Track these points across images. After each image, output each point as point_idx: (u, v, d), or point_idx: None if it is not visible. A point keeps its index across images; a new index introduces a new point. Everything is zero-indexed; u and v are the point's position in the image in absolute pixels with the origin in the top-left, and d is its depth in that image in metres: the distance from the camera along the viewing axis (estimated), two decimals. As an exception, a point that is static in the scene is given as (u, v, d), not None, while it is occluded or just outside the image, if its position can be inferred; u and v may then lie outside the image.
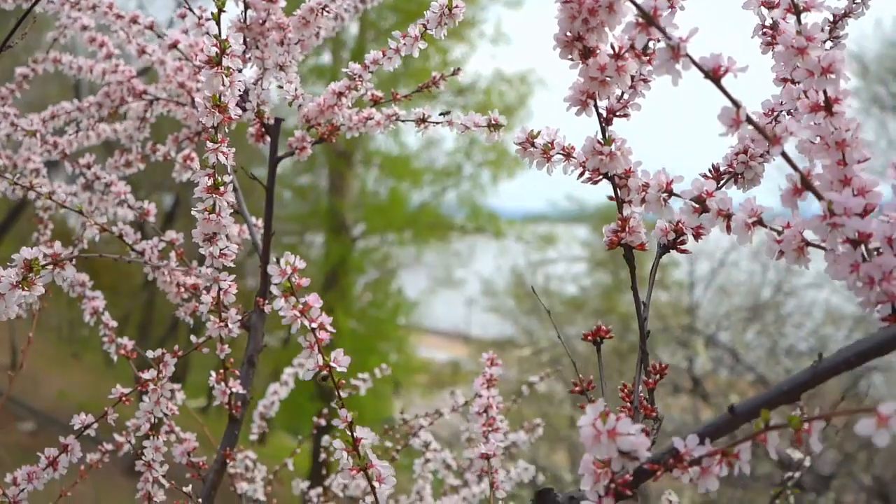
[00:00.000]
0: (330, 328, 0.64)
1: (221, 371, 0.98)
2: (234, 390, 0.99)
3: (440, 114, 0.75)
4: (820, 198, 0.52)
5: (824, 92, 0.54)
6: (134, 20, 1.11)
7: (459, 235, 12.15)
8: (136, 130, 1.22)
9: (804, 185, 0.53)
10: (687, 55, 0.51)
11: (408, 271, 12.38)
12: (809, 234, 0.56)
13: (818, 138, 0.56)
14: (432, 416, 1.38)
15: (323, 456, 1.45)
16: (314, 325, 0.63)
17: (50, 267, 0.69)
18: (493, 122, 0.86)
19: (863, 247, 0.54)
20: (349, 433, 0.66)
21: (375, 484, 0.66)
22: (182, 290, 1.03)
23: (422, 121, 0.97)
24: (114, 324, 1.11)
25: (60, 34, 1.31)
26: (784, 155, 0.52)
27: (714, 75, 0.51)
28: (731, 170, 0.69)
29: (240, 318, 0.92)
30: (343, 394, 1.47)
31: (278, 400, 1.49)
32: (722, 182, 0.70)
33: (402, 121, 1.00)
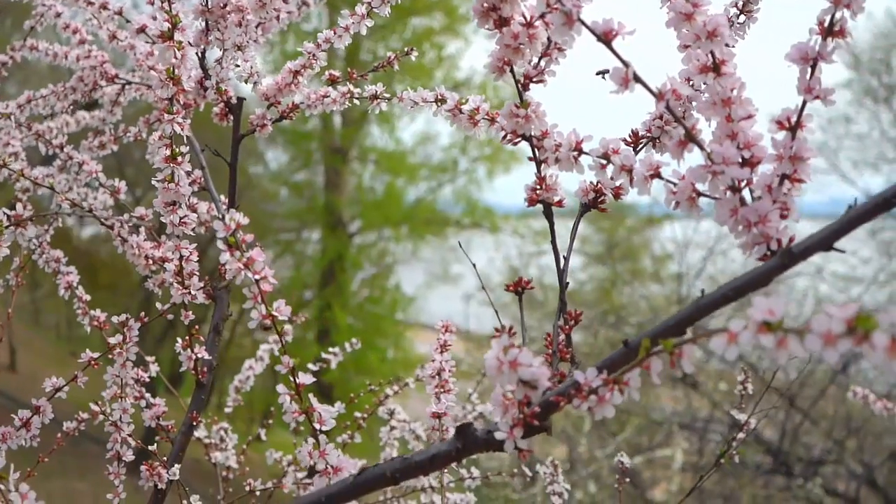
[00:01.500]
0: (273, 280, 0.69)
1: (187, 338, 1.03)
2: (199, 356, 1.04)
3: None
4: (702, 149, 0.57)
5: (712, 54, 0.59)
6: (104, 6, 1.16)
7: (456, 230, 12.21)
8: (108, 113, 1.27)
9: (688, 137, 0.58)
10: (579, 20, 0.56)
11: (405, 267, 12.45)
12: (701, 187, 0.61)
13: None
14: (398, 384, 1.44)
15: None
16: (258, 276, 0.68)
17: (12, 228, 0.75)
18: (439, 97, 0.91)
19: (748, 194, 0.59)
20: (292, 379, 0.71)
21: (317, 426, 0.71)
22: (150, 262, 1.09)
23: (374, 97, 1.03)
24: (87, 297, 1.16)
25: (37, 22, 1.35)
26: (670, 111, 0.58)
27: (606, 38, 0.57)
28: (648, 134, 0.74)
29: (202, 285, 0.97)
30: (316, 371, 1.51)
31: (253, 375, 1.54)
32: (640, 145, 0.75)
33: (358, 98, 1.05)
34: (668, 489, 6.10)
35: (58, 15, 1.26)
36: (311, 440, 0.71)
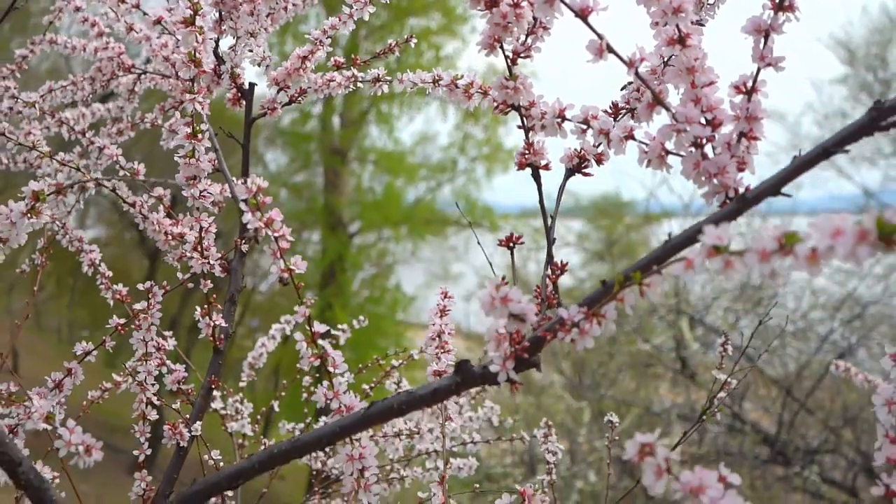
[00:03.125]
0: (289, 238, 0.77)
1: (206, 306, 1.10)
2: (217, 324, 1.11)
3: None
4: (668, 110, 0.65)
5: (678, 28, 0.67)
6: (122, 0, 1.24)
7: (455, 230, 12.29)
8: (126, 102, 1.35)
9: (656, 100, 0.66)
10: (559, -2, 0.64)
11: (404, 267, 12.52)
12: (669, 145, 0.69)
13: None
14: (404, 356, 1.52)
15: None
16: (277, 235, 0.76)
17: (54, 195, 0.82)
18: (436, 77, 0.99)
19: (710, 150, 0.67)
20: (308, 328, 0.79)
21: (331, 369, 0.79)
22: (169, 238, 1.16)
23: (376, 80, 1.11)
24: (109, 273, 1.24)
25: (56, 17, 1.43)
26: (639, 77, 0.65)
27: (582, 14, 0.64)
28: (627, 105, 0.82)
29: (220, 255, 1.05)
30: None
31: (266, 352, 1.62)
32: (620, 116, 0.82)
33: (361, 82, 1.13)
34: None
35: (77, 9, 1.34)
36: (325, 383, 0.79)
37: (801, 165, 0.60)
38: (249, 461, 0.75)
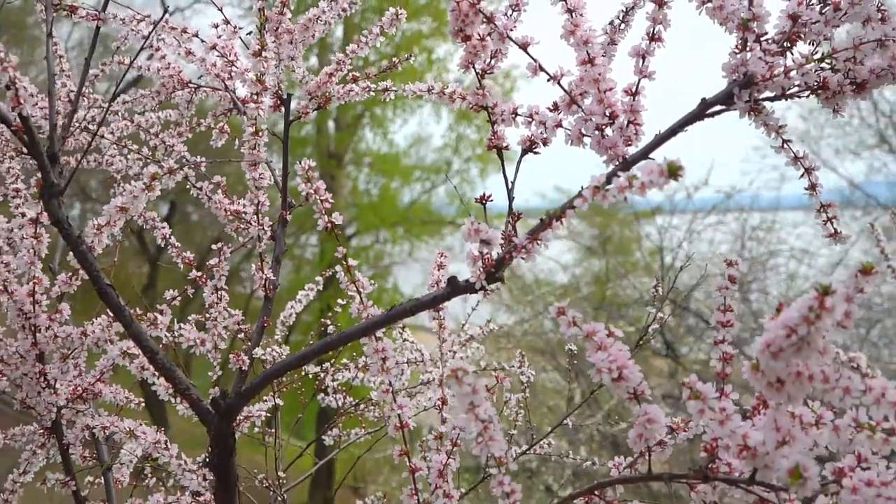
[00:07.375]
0: (330, 200, 1.12)
1: (259, 263, 1.46)
2: (268, 277, 1.47)
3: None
4: (580, 107, 1.01)
5: (587, 52, 1.03)
6: (184, 30, 1.59)
7: (451, 230, 12.61)
8: (185, 110, 1.70)
9: (571, 100, 1.01)
10: (508, 36, 0.99)
11: (401, 268, 12.83)
12: (584, 130, 1.04)
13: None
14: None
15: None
16: (322, 198, 1.12)
17: (167, 175, 1.18)
18: (430, 87, 1.35)
19: (610, 132, 1.03)
20: (345, 262, 1.15)
21: (361, 290, 1.14)
22: (227, 213, 1.51)
23: (385, 90, 1.46)
24: (178, 244, 1.59)
25: (122, 43, 1.78)
26: (560, 86, 1.01)
27: (523, 46, 1.00)
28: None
29: (271, 223, 1.41)
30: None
31: (295, 313, 1.99)
32: (559, 111, 1.18)
33: (374, 91, 1.48)
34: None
35: (144, 37, 1.69)
36: (357, 299, 1.14)
37: (659, 140, 0.96)
38: (310, 348, 1.11)
